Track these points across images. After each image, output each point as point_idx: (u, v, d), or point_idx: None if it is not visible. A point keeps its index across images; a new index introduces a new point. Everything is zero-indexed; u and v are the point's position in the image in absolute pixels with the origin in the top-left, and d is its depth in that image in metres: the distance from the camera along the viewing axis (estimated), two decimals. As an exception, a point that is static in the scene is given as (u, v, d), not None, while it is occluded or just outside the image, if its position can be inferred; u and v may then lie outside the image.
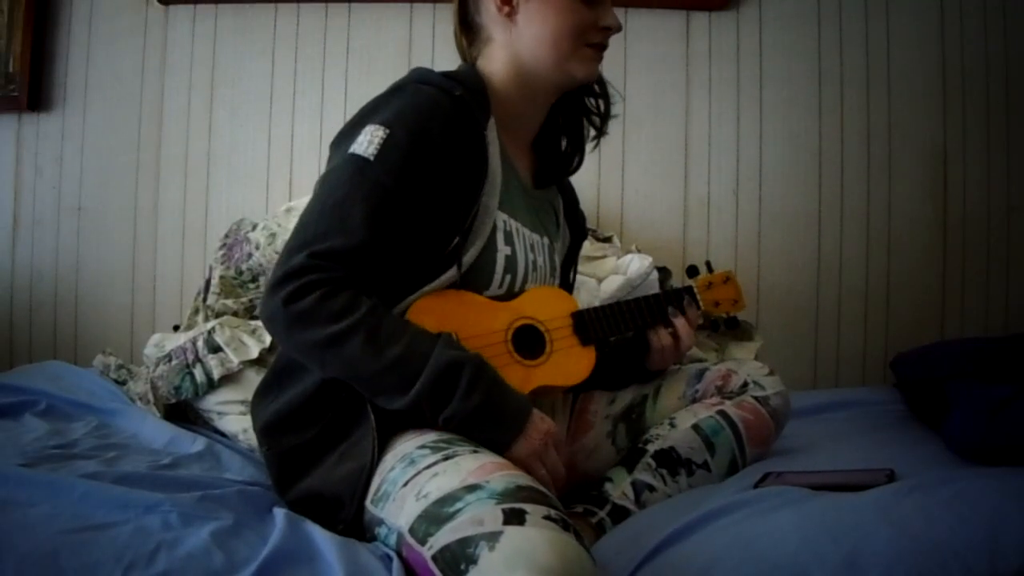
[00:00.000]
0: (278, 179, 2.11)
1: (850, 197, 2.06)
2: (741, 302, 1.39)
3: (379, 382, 1.02)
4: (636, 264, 1.79)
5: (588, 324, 1.23)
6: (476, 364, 1.02)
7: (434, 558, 0.82)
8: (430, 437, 1.00)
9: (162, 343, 1.68)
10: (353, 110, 1.14)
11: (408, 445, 1.00)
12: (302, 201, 1.88)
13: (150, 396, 1.55)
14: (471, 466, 0.91)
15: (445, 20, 1.36)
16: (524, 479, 0.88)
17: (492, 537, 0.78)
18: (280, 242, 1.79)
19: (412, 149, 1.07)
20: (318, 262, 1.01)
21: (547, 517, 0.80)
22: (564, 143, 1.33)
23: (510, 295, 1.18)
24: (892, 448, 1.32)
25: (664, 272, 1.84)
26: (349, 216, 1.04)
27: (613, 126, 1.33)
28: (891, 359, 1.79)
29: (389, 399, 1.02)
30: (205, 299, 1.81)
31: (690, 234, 2.08)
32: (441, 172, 1.08)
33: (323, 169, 1.13)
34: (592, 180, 2.04)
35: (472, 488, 0.86)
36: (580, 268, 1.59)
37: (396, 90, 1.13)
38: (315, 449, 1.08)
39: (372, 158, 1.06)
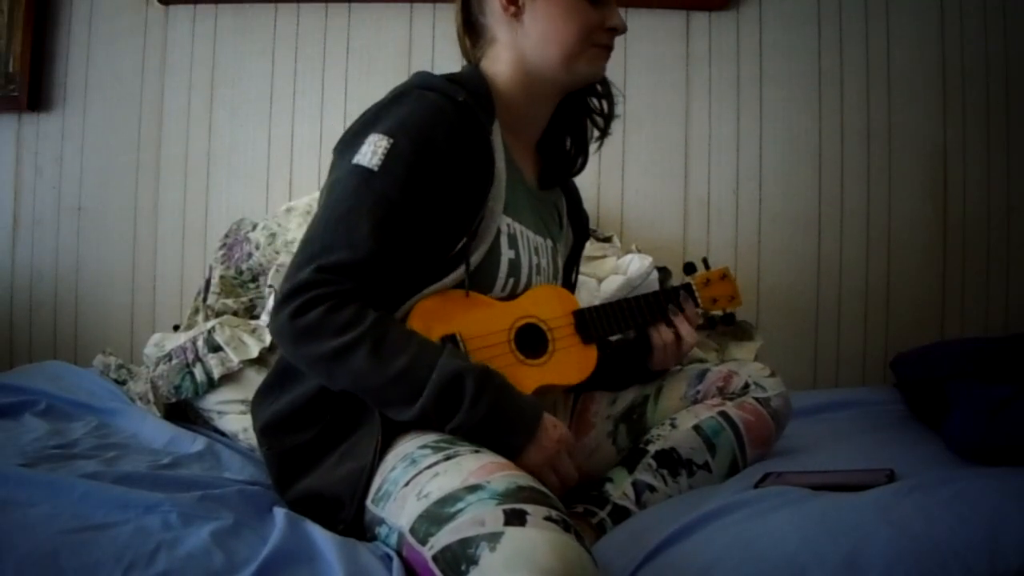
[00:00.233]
0: (278, 179, 2.11)
1: (850, 197, 2.06)
2: (738, 298, 1.39)
3: (386, 394, 1.01)
4: (636, 264, 1.79)
5: (589, 323, 1.23)
6: (481, 373, 1.02)
7: (435, 558, 0.82)
8: (432, 437, 1.00)
9: (162, 343, 1.68)
10: (353, 110, 1.13)
11: (410, 445, 1.00)
12: (302, 201, 1.89)
13: (150, 396, 1.55)
14: (472, 466, 0.90)
15: (445, 20, 1.36)
16: (525, 479, 0.88)
17: (493, 538, 0.78)
18: (280, 242, 1.79)
19: (416, 159, 1.06)
20: (325, 276, 1.01)
21: (548, 518, 0.80)
22: (568, 144, 1.33)
23: (512, 297, 1.18)
24: (892, 448, 1.32)
25: (664, 272, 1.84)
26: (355, 229, 1.03)
27: (614, 126, 1.32)
28: (891, 359, 1.79)
29: (397, 411, 1.01)
30: (205, 299, 1.81)
31: (690, 234, 2.08)
32: (446, 180, 1.08)
33: (324, 170, 1.13)
34: (592, 180, 2.03)
35: (473, 488, 0.86)
36: (580, 268, 1.59)
37: (399, 96, 1.12)
38: (315, 449, 1.08)
39: (376, 169, 1.05)
